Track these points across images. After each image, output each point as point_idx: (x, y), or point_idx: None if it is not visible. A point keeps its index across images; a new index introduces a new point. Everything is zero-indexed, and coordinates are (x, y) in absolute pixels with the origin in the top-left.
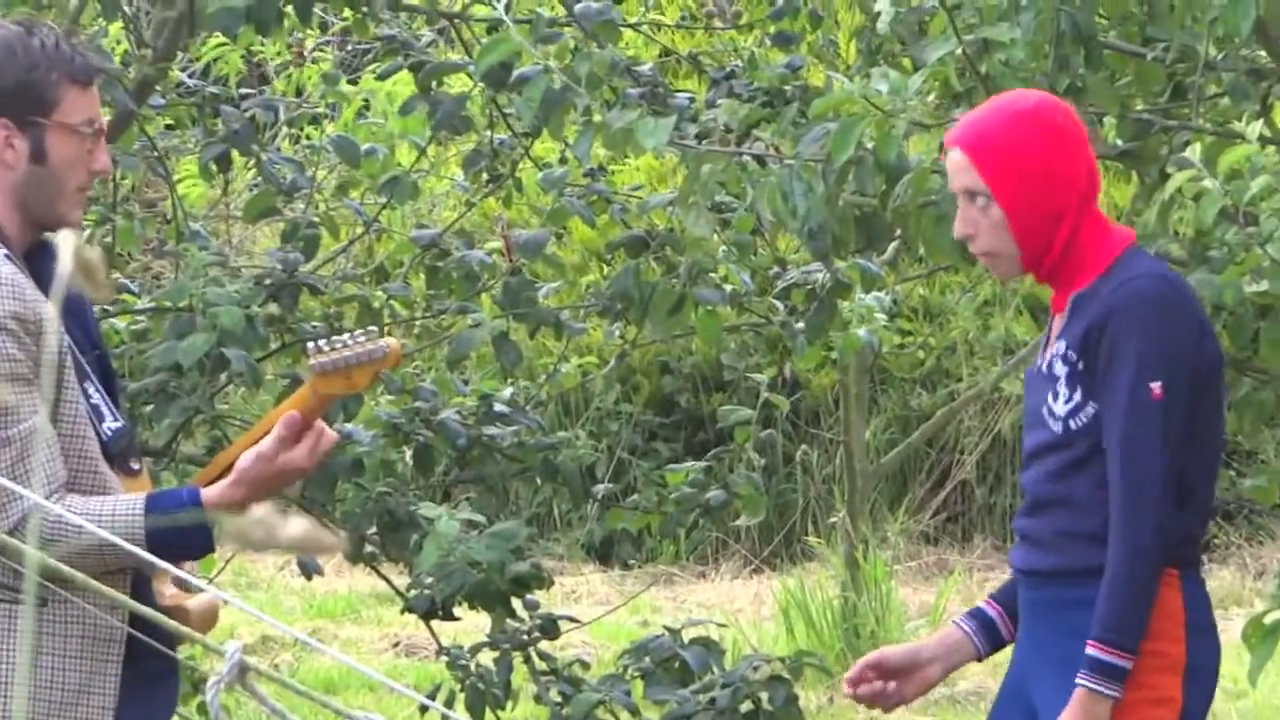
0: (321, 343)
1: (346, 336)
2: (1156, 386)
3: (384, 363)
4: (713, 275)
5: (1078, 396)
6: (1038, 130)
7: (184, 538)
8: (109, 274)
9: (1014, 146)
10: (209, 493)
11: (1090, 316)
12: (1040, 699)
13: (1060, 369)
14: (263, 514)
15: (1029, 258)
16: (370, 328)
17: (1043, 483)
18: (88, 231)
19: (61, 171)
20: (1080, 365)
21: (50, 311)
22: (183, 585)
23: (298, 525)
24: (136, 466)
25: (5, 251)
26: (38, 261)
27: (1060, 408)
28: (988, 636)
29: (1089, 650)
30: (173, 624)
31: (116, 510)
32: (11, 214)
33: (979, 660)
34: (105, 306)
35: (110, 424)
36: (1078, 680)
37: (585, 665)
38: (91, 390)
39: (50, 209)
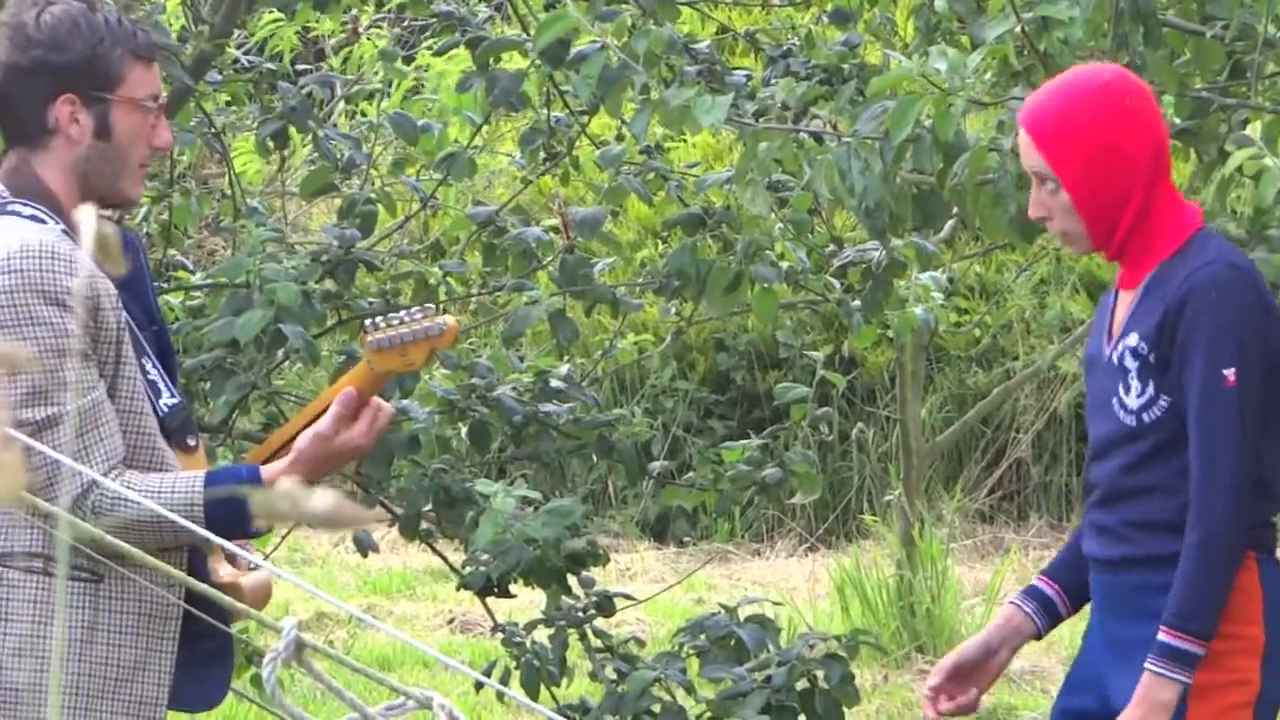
0: (378, 319)
1: (403, 313)
2: (1230, 374)
3: (441, 340)
4: (769, 253)
5: (1150, 390)
6: (1101, 109)
7: (242, 516)
8: (121, 249)
9: (1076, 127)
10: (269, 470)
11: (1162, 307)
12: (1116, 685)
13: (1131, 362)
14: (289, 487)
15: (1098, 237)
16: (427, 305)
17: (1116, 476)
18: (144, 208)
19: (125, 146)
20: (1152, 358)
21: (109, 287)
22: (235, 562)
23: (324, 499)
24: (193, 443)
25: (64, 228)
26: None
27: (1132, 401)
28: (1047, 615)
29: (1160, 635)
30: (229, 600)
31: (176, 487)
32: (72, 190)
33: (1038, 639)
34: (161, 283)
35: (167, 400)
36: (1146, 664)
37: (640, 643)
38: (149, 366)
39: (113, 184)
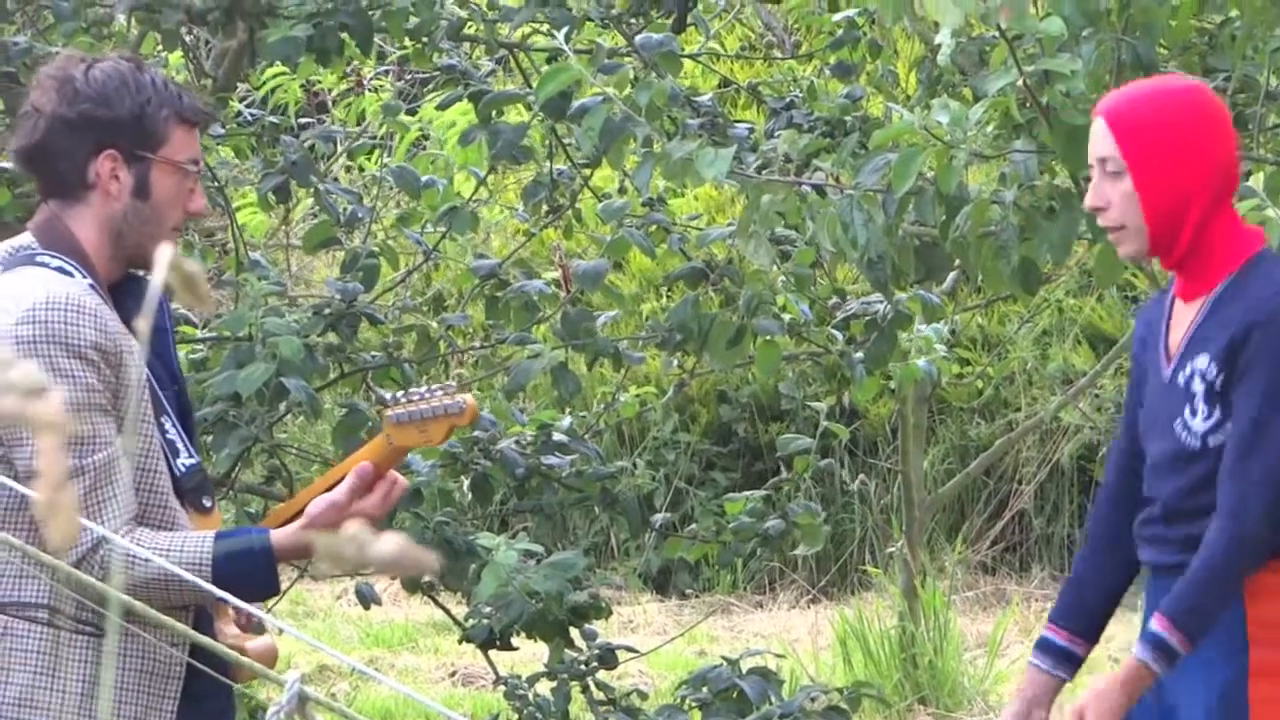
0: (399, 394)
1: (424, 389)
2: None
3: (460, 419)
4: (772, 306)
5: (1217, 414)
6: (1182, 109)
7: (251, 578)
8: (209, 287)
9: (1155, 120)
10: (279, 536)
11: (1229, 330)
12: (1180, 693)
13: (1198, 385)
14: (355, 531)
15: (1156, 236)
16: (449, 383)
17: (1177, 496)
18: None
19: (162, 208)
20: (1218, 383)
21: (133, 345)
22: (241, 622)
23: (391, 543)
24: (208, 504)
25: (90, 282)
26: (122, 296)
27: (1198, 424)
28: (1069, 665)
29: (1153, 624)
30: (235, 655)
31: (185, 546)
32: (104, 246)
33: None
34: None
35: (185, 460)
36: (1134, 651)
37: (643, 695)
38: (168, 425)
39: (146, 245)
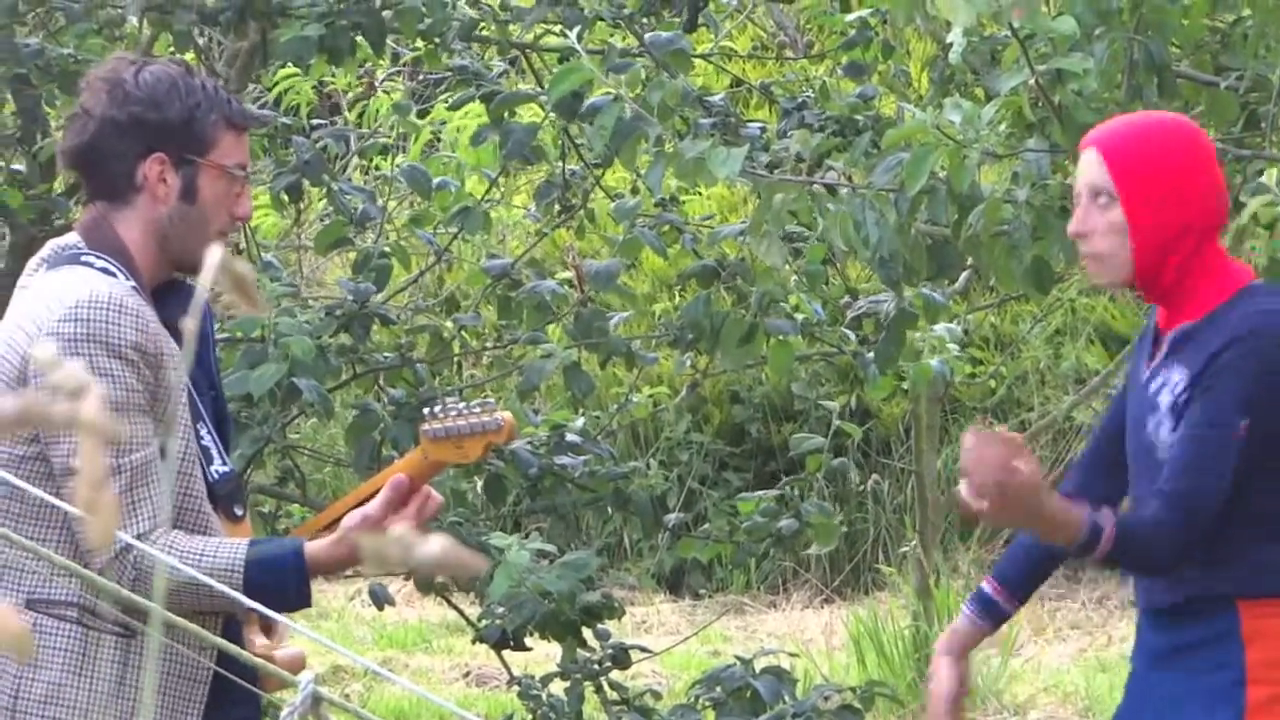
0: (437, 408)
1: (462, 405)
2: (1244, 425)
3: (497, 436)
4: (784, 305)
5: (1182, 429)
6: (1176, 146)
7: (282, 589)
8: (260, 288)
9: (1150, 154)
10: (312, 547)
11: (1211, 346)
12: None
13: (1165, 398)
14: (401, 532)
15: (1141, 269)
16: (487, 400)
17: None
18: None
19: (208, 212)
20: (1184, 400)
21: (174, 348)
22: (268, 630)
23: (436, 543)
24: (240, 512)
25: (134, 284)
26: (165, 300)
27: (1164, 435)
28: (990, 615)
29: (1104, 522)
30: (263, 663)
31: (219, 552)
32: (149, 249)
33: (990, 634)
34: None
35: (219, 467)
36: (1083, 512)
37: (657, 695)
38: (204, 432)
39: (192, 249)
